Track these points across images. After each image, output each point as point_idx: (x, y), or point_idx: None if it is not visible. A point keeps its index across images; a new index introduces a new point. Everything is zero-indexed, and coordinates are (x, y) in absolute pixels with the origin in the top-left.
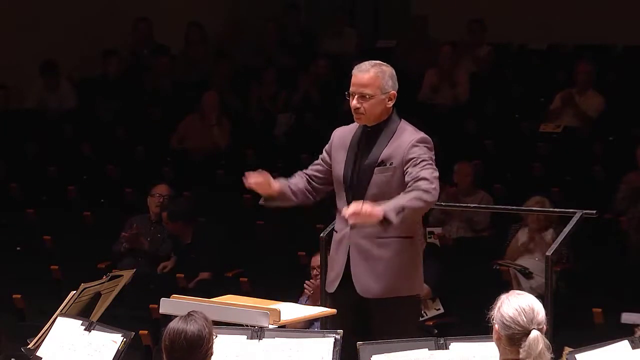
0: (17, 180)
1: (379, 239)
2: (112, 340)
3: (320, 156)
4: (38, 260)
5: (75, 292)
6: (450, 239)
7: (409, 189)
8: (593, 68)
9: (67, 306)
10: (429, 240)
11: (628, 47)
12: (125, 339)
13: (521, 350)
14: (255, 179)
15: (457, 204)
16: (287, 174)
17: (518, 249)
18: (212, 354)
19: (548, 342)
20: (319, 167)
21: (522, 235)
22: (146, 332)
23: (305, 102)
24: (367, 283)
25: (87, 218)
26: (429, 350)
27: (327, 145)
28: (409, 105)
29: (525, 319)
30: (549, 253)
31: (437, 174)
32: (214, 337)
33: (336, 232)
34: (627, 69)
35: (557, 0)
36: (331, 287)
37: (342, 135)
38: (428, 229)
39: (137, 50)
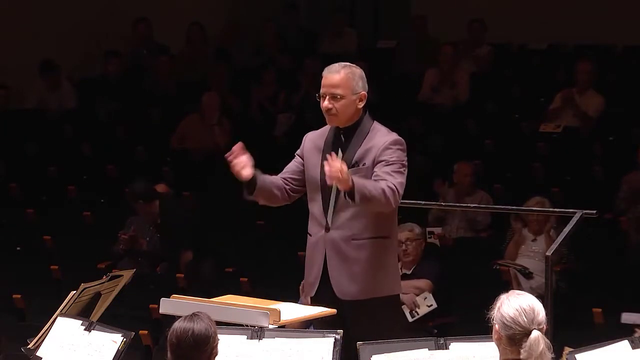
0: (17, 180)
1: (354, 241)
2: (112, 340)
3: (294, 160)
4: (38, 260)
5: (75, 292)
6: (450, 239)
7: (378, 180)
8: (593, 68)
9: (67, 306)
10: (429, 240)
11: (628, 47)
12: (125, 339)
13: (522, 351)
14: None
15: (457, 204)
16: None
17: (518, 249)
18: (216, 354)
19: (549, 342)
20: (294, 169)
21: (522, 236)
22: (146, 332)
23: (305, 102)
24: (344, 285)
25: (87, 218)
26: (429, 350)
27: (298, 150)
28: (409, 105)
29: (525, 319)
30: (549, 253)
31: (404, 180)
32: (218, 337)
33: (310, 235)
34: (627, 69)
35: (557, 0)
36: (311, 291)
37: (314, 139)
38: (428, 229)
39: (137, 50)
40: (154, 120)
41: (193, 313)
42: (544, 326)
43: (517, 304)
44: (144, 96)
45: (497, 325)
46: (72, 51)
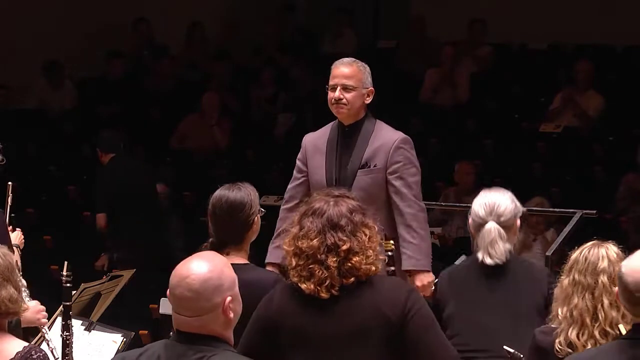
0: (18, 180)
1: None
2: (112, 340)
3: (295, 172)
4: (38, 260)
5: (75, 292)
6: (450, 239)
7: (414, 222)
8: (593, 68)
9: None
10: None
11: (628, 47)
12: (125, 339)
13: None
14: None
15: (457, 204)
16: (287, 174)
17: (518, 248)
18: (255, 223)
19: (504, 235)
20: (298, 187)
21: (522, 235)
22: (146, 332)
23: (305, 102)
24: None
25: (86, 218)
26: None
27: (299, 155)
28: (409, 105)
29: (484, 211)
30: (549, 253)
31: (419, 187)
32: (260, 209)
33: None
34: (627, 69)
35: (557, 0)
36: None
37: (314, 141)
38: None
39: (137, 50)
40: (154, 120)
41: (236, 182)
42: (511, 220)
43: (482, 199)
44: (144, 96)
45: (470, 220)
46: (72, 51)
